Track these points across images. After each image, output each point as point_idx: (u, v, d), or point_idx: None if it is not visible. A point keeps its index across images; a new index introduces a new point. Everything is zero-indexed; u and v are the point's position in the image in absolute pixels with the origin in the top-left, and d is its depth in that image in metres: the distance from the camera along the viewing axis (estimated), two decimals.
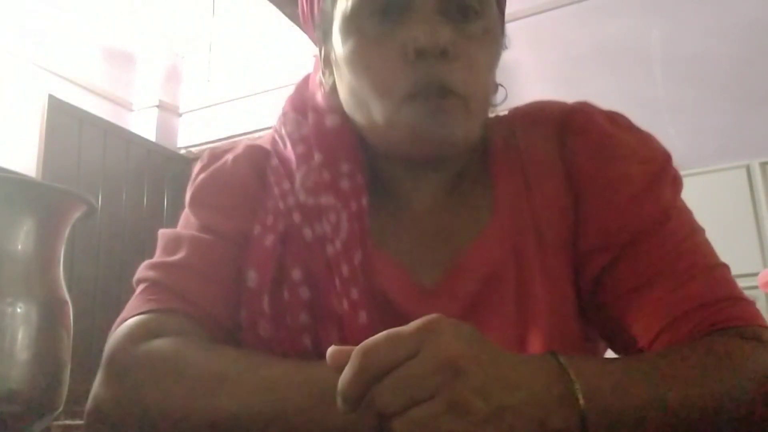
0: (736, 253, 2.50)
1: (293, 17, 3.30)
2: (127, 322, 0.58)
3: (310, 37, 0.71)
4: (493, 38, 0.62)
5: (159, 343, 0.55)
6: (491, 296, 0.61)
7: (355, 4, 0.59)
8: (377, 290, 0.61)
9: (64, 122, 3.48)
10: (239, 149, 0.69)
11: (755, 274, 2.16)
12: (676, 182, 0.63)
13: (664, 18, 2.77)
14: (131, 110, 4.23)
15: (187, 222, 0.66)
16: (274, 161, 0.67)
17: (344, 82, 0.62)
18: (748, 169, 2.46)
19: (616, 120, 0.65)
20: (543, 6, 3.01)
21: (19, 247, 0.54)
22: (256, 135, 4.05)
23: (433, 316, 0.40)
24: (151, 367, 0.53)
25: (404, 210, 0.66)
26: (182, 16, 4.02)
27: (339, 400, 0.39)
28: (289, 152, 0.65)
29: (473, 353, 0.40)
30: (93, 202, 0.60)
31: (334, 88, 0.66)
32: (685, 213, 0.63)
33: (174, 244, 0.64)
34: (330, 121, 0.65)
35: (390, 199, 0.66)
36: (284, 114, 0.71)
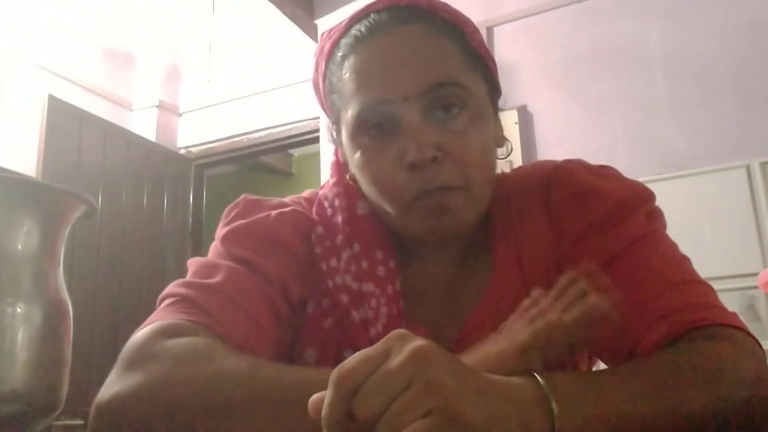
0: (736, 253, 2.51)
1: (293, 17, 3.30)
2: (152, 324, 0.58)
3: (328, 137, 0.79)
4: (482, 121, 0.68)
5: (185, 339, 0.55)
6: None
7: (354, 125, 0.67)
8: None
9: (64, 122, 3.48)
10: (283, 207, 0.74)
11: (755, 274, 2.15)
12: (654, 215, 0.68)
13: (665, 18, 2.77)
14: (131, 110, 4.23)
15: (220, 255, 0.68)
16: (319, 229, 0.73)
17: (362, 184, 0.71)
18: (748, 169, 2.46)
19: (598, 172, 0.72)
20: (543, 6, 3.01)
21: (19, 247, 0.54)
22: (256, 135, 4.05)
23: (397, 331, 0.42)
24: (175, 357, 0.52)
25: (423, 278, 0.73)
26: (182, 16, 4.02)
27: (324, 430, 0.40)
28: (336, 226, 0.73)
29: (440, 348, 0.41)
30: (93, 202, 0.60)
31: (356, 178, 0.73)
32: (663, 241, 0.67)
33: (208, 269, 0.66)
34: (360, 208, 0.74)
35: (413, 264, 0.74)
36: (334, 184, 0.76)
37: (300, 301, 0.70)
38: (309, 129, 3.85)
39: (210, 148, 4.24)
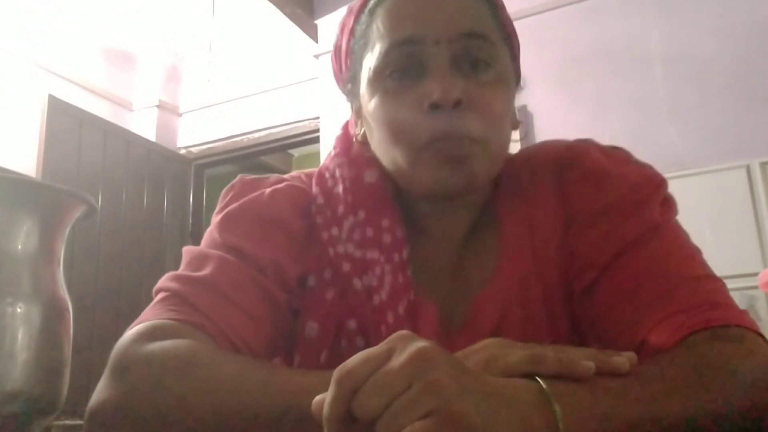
0: (736, 253, 2.51)
1: (293, 17, 3.30)
2: (138, 326, 0.58)
3: (342, 91, 0.77)
4: (506, 84, 0.67)
5: (169, 343, 0.54)
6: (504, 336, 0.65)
7: (378, 66, 0.66)
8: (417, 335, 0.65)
9: (64, 122, 3.48)
10: (278, 184, 0.72)
11: (755, 274, 2.15)
12: (668, 204, 0.67)
13: (665, 18, 2.77)
14: (131, 110, 4.23)
15: (213, 243, 0.67)
16: (320, 200, 0.71)
17: (373, 136, 0.69)
18: (748, 169, 2.46)
19: (610, 154, 0.70)
20: (543, 6, 3.01)
21: (19, 247, 0.54)
22: (256, 135, 4.05)
23: (401, 332, 0.42)
24: (159, 365, 0.52)
25: (432, 252, 0.71)
26: (182, 16, 4.01)
27: (326, 431, 0.39)
28: (337, 196, 0.70)
29: (442, 350, 0.41)
30: (93, 202, 0.60)
31: (365, 138, 0.72)
32: (676, 232, 0.66)
33: (199, 261, 0.64)
34: (368, 177, 0.71)
35: (422, 238, 0.71)
36: (336, 155, 0.74)
37: (299, 281, 0.68)
38: (309, 129, 3.85)
39: (210, 148, 4.25)
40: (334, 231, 0.69)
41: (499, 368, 0.45)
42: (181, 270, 0.65)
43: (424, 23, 0.64)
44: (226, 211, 0.69)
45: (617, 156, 0.70)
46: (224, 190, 0.73)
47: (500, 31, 0.68)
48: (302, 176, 0.75)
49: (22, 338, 0.53)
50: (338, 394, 0.39)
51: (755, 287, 2.15)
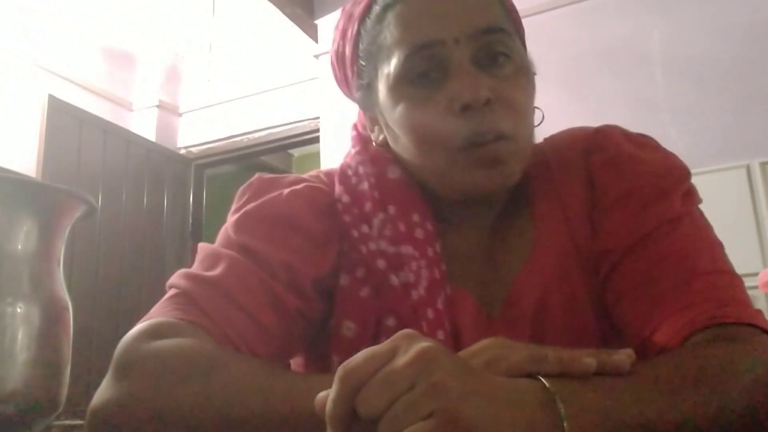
0: (736, 253, 2.49)
1: (293, 17, 3.29)
2: (143, 323, 0.57)
3: (350, 99, 0.76)
4: (526, 75, 0.67)
5: (171, 341, 0.54)
6: (544, 320, 0.65)
7: (399, 73, 0.65)
8: (457, 328, 0.65)
9: (64, 122, 3.48)
10: (297, 185, 0.71)
11: (755, 274, 2.15)
12: (691, 195, 0.66)
13: (665, 18, 2.77)
14: (131, 110, 4.23)
15: (228, 242, 0.66)
16: (345, 198, 0.70)
17: (399, 143, 0.68)
18: (748, 169, 2.46)
19: (636, 140, 0.70)
20: (543, 6, 3.01)
21: (19, 247, 0.54)
22: (256, 135, 4.05)
23: (405, 331, 0.42)
24: (162, 363, 0.52)
25: (462, 242, 0.70)
26: (182, 16, 4.01)
27: (329, 429, 0.39)
28: (363, 193, 0.69)
29: (446, 350, 0.41)
30: (93, 202, 0.60)
31: (385, 143, 0.71)
32: (697, 224, 0.65)
33: (212, 260, 0.64)
34: (392, 173, 0.70)
35: (450, 229, 0.71)
36: (357, 153, 0.73)
37: (314, 284, 0.66)
38: (309, 129, 3.85)
39: (210, 148, 4.25)
40: (365, 228, 0.68)
41: (501, 369, 0.45)
42: (194, 267, 0.65)
43: (442, 24, 0.64)
44: (243, 210, 0.68)
45: (643, 142, 0.70)
46: (241, 189, 0.72)
47: (510, 21, 0.68)
48: (321, 176, 0.74)
49: (22, 338, 0.53)
50: (341, 391, 0.38)
51: (755, 287, 2.15)
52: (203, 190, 4.33)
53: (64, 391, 0.57)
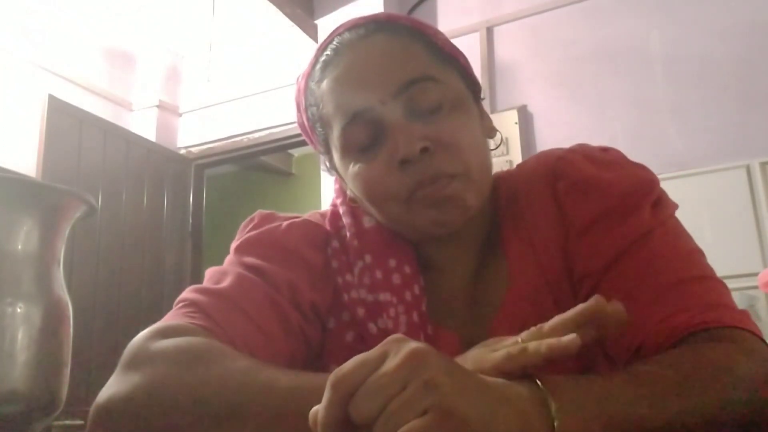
0: (736, 253, 2.51)
1: (293, 17, 3.29)
2: (152, 325, 0.59)
3: (311, 144, 0.80)
4: (464, 110, 0.69)
5: (180, 340, 0.55)
6: None
7: (342, 143, 0.69)
8: None
9: (64, 122, 3.47)
10: (295, 219, 0.75)
11: (755, 274, 2.15)
12: (661, 204, 0.67)
13: (665, 18, 2.77)
14: (131, 110, 4.22)
15: (233, 263, 0.70)
16: (335, 243, 0.74)
17: (359, 198, 0.72)
18: (748, 169, 2.46)
19: (599, 160, 0.70)
20: (543, 6, 3.01)
21: (19, 247, 0.54)
22: (256, 135, 4.05)
23: (394, 335, 0.42)
24: (170, 359, 0.53)
25: (445, 282, 0.73)
26: (182, 16, 4.01)
27: None
28: (350, 241, 0.73)
29: (436, 351, 0.41)
30: (93, 202, 0.60)
31: (355, 197, 0.74)
32: (671, 233, 0.66)
33: (219, 276, 0.68)
34: (367, 222, 0.74)
35: (434, 270, 0.73)
36: (341, 203, 0.77)
37: (312, 307, 0.70)
38: None
39: (210, 148, 4.24)
40: (348, 277, 0.72)
41: (486, 369, 0.45)
42: (202, 285, 0.68)
43: (366, 89, 0.66)
44: (245, 237, 0.72)
45: (607, 160, 0.70)
46: (243, 224, 0.76)
47: (440, 58, 0.69)
48: (318, 215, 0.78)
49: (22, 338, 0.53)
50: (334, 399, 0.39)
51: (755, 287, 2.15)
52: (203, 190, 4.32)
53: (64, 391, 0.57)
